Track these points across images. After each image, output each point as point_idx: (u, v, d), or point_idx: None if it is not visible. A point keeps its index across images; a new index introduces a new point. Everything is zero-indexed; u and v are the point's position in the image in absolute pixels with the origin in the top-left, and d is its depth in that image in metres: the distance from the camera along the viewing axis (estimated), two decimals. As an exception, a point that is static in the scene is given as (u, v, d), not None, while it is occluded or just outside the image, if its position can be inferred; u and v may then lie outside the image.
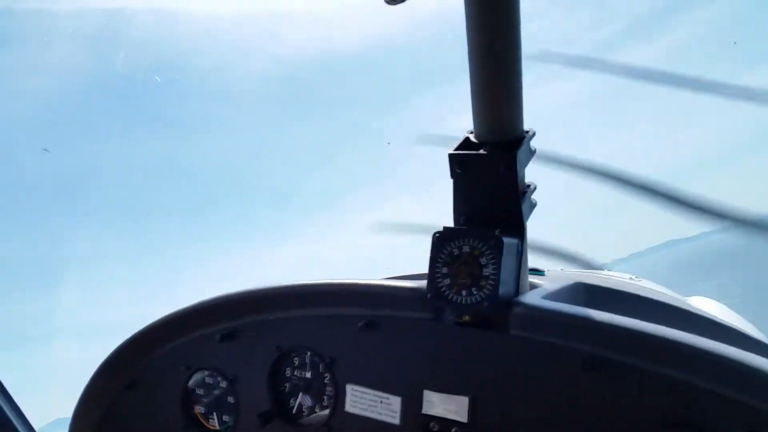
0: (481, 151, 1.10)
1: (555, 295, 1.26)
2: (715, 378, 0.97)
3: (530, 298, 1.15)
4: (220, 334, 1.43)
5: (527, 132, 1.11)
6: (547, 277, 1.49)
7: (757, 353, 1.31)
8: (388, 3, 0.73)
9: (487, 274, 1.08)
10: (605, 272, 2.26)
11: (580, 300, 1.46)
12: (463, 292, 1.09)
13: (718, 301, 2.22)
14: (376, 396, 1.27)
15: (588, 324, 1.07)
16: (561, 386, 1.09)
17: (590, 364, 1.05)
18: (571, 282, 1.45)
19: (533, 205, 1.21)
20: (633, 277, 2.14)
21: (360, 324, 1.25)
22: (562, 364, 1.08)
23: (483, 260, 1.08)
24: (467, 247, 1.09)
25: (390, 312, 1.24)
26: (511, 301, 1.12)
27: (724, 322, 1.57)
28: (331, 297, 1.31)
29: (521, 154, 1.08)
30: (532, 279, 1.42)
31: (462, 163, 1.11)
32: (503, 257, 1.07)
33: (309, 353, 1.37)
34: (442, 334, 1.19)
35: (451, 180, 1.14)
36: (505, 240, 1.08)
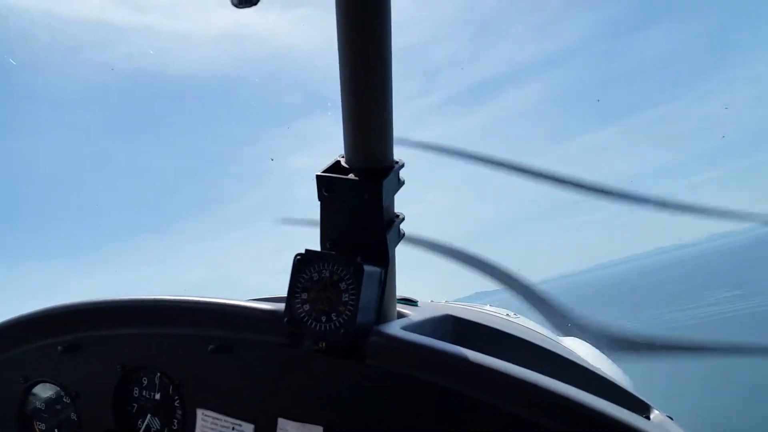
0: (350, 176, 1.09)
1: (418, 326, 1.27)
2: (559, 419, 1.00)
3: (390, 327, 1.14)
4: (62, 346, 1.32)
5: (396, 162, 1.12)
6: (418, 308, 1.50)
7: (609, 396, 1.38)
8: (235, 6, 0.71)
9: (345, 301, 1.06)
10: (486, 307, 2.32)
11: (446, 332, 1.48)
12: (322, 318, 1.07)
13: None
14: (228, 422, 1.21)
15: (441, 357, 1.07)
16: (412, 418, 1.08)
17: (441, 398, 1.05)
18: (439, 314, 1.47)
19: (401, 235, 1.21)
20: (510, 313, 2.22)
21: (211, 346, 1.19)
22: (415, 396, 1.08)
23: (343, 287, 1.07)
24: (327, 272, 1.07)
25: (244, 335, 1.18)
26: (369, 330, 1.10)
27: (585, 364, 1.65)
28: (181, 316, 1.24)
29: (388, 183, 1.09)
30: (403, 309, 1.43)
31: (329, 187, 1.10)
32: (363, 285, 1.06)
33: (159, 374, 1.28)
34: (298, 361, 1.16)
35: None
36: (367, 268, 1.07)
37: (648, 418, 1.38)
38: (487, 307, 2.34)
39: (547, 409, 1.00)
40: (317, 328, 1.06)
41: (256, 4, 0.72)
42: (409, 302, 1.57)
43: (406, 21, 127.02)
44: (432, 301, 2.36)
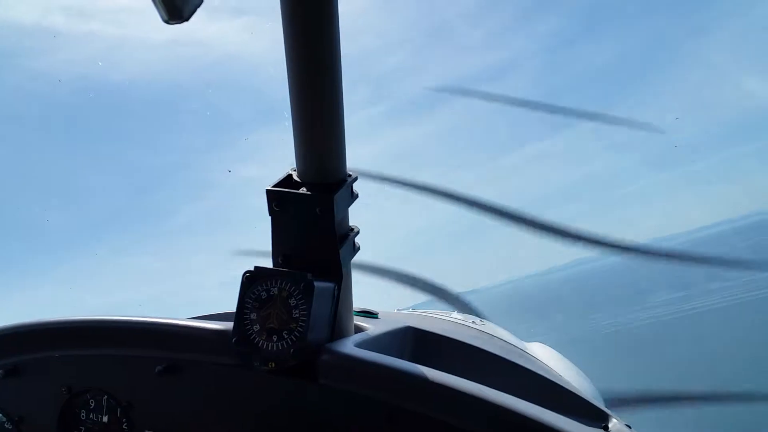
0: (301, 191, 1.06)
1: (374, 342, 1.24)
2: None
3: (343, 345, 1.11)
4: (3, 369, 1.25)
5: (350, 176, 1.10)
6: (378, 321, 1.48)
7: (568, 406, 1.37)
8: (166, 22, 0.67)
9: (296, 319, 1.03)
10: (453, 314, 2.31)
11: (404, 346, 1.45)
12: (274, 337, 1.03)
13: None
14: None
15: (393, 375, 1.05)
16: None
17: (394, 416, 1.03)
18: (399, 326, 1.44)
19: (356, 249, 1.19)
20: (476, 320, 2.21)
21: (159, 367, 1.14)
22: (368, 415, 1.05)
23: (293, 304, 1.03)
24: (277, 289, 1.04)
25: (193, 355, 1.14)
26: (320, 349, 1.08)
27: (547, 374, 1.64)
28: (126, 336, 1.19)
29: (340, 197, 1.06)
30: (362, 323, 1.40)
31: (279, 201, 1.07)
32: (314, 302, 1.03)
33: (106, 396, 1.23)
34: (248, 382, 1.12)
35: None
36: (318, 284, 1.04)
37: (606, 428, 1.38)
38: (454, 314, 2.33)
39: (501, 426, 0.99)
40: (267, 347, 1.02)
41: (187, 20, 0.69)
42: (369, 315, 1.54)
43: (353, 31, 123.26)
44: (398, 310, 2.34)
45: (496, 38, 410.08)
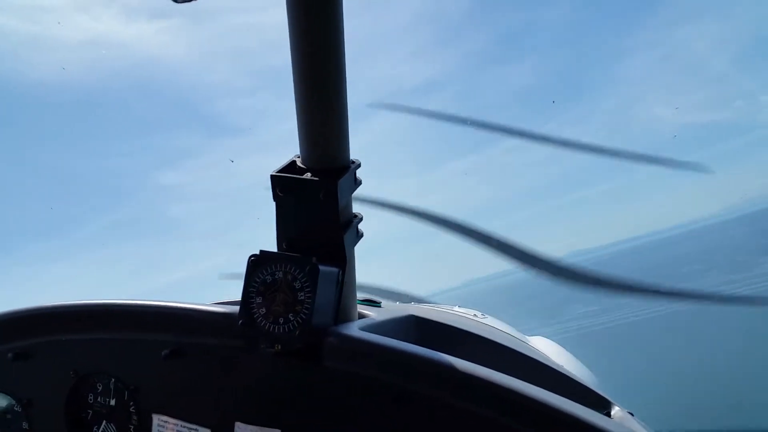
0: (305, 176, 1.08)
1: (378, 327, 1.26)
2: (518, 417, 0.99)
3: (348, 328, 1.13)
4: (12, 353, 1.28)
5: (353, 162, 1.11)
6: (381, 309, 1.49)
7: (571, 394, 1.39)
8: (175, 2, 0.69)
9: (301, 302, 1.04)
10: (455, 308, 2.32)
11: (407, 333, 1.47)
12: (280, 320, 1.05)
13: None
14: (184, 427, 1.18)
15: (398, 357, 1.06)
16: (371, 419, 1.07)
17: (400, 398, 1.04)
18: (401, 315, 1.46)
19: (360, 235, 1.20)
20: (478, 314, 2.22)
21: (165, 351, 1.16)
22: (373, 397, 1.07)
23: (298, 288, 1.05)
24: (282, 273, 1.06)
25: (198, 339, 1.16)
26: (326, 331, 1.09)
27: (549, 363, 1.65)
28: (133, 320, 1.21)
29: (344, 182, 1.08)
30: (364, 310, 1.41)
31: (284, 186, 1.08)
32: (319, 285, 1.04)
33: (113, 379, 1.25)
34: (254, 364, 1.14)
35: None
36: (323, 268, 1.06)
37: (609, 414, 1.39)
38: (456, 308, 2.34)
39: (507, 407, 1.00)
40: (273, 330, 1.04)
41: None
42: (372, 303, 1.56)
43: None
44: (399, 303, 2.36)
45: (424, 55, 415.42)
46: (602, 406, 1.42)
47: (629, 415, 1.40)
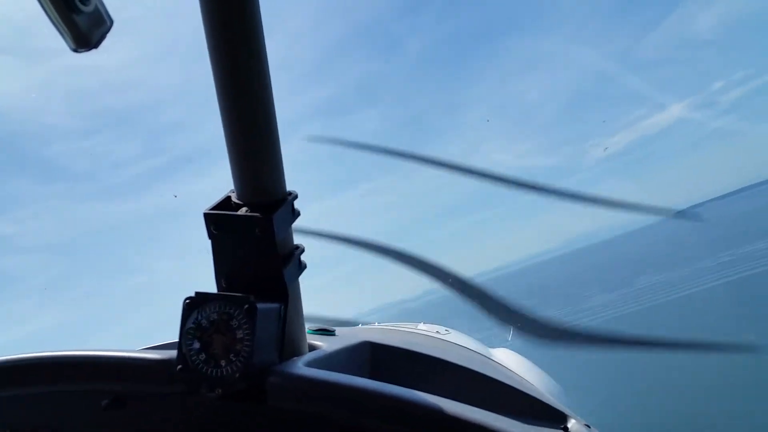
0: (240, 212, 1.05)
1: (327, 360, 1.23)
2: None
3: (291, 365, 1.10)
4: None
5: (290, 193, 1.09)
6: (334, 338, 1.46)
7: (528, 409, 1.38)
8: (74, 51, 0.66)
9: (240, 342, 1.01)
10: (419, 325, 2.30)
11: (362, 362, 1.45)
12: (222, 362, 1.01)
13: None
14: None
15: (343, 392, 1.04)
16: None
17: None
18: (356, 342, 1.43)
19: (303, 267, 1.18)
20: (441, 329, 2.21)
21: (105, 401, 1.11)
22: None
23: (237, 328, 1.02)
24: (218, 314, 1.02)
25: (138, 387, 1.11)
26: (268, 370, 1.06)
27: (508, 380, 1.64)
28: (68, 371, 1.15)
29: (280, 215, 1.05)
30: (316, 341, 1.38)
31: (218, 224, 1.05)
32: (258, 324, 1.02)
33: None
34: (198, 410, 1.10)
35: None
36: (262, 306, 1.03)
37: (566, 428, 1.39)
38: (420, 326, 2.32)
39: None
40: (212, 373, 1.00)
41: (96, 47, 0.68)
42: (326, 332, 1.53)
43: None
44: (362, 325, 2.33)
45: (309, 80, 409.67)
46: (559, 420, 1.42)
47: (586, 428, 1.40)
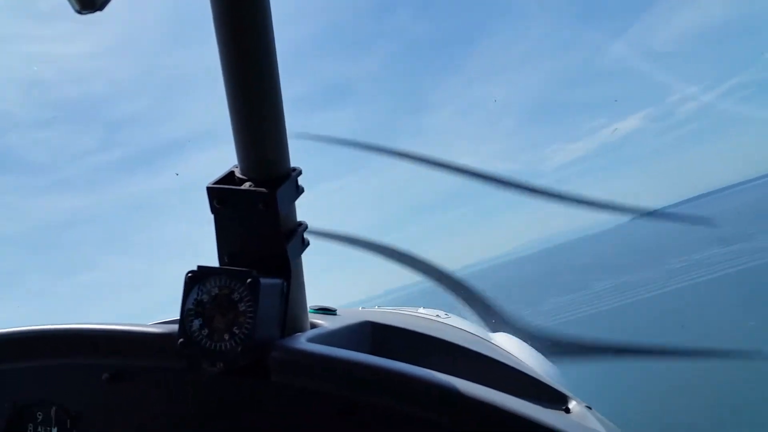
0: (243, 187, 1.04)
1: (329, 337, 1.23)
2: (470, 420, 0.98)
3: (294, 341, 1.09)
4: None
5: (294, 169, 1.09)
6: (336, 317, 1.47)
7: (529, 391, 1.38)
8: (78, 12, 0.65)
9: (242, 317, 1.01)
10: (419, 309, 2.30)
11: (362, 341, 1.45)
12: (225, 336, 1.01)
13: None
14: None
15: (346, 367, 1.04)
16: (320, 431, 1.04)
17: (345, 409, 1.02)
18: (356, 321, 1.43)
19: (306, 244, 1.17)
20: (441, 314, 2.21)
21: (106, 375, 1.11)
22: (319, 410, 1.04)
23: (239, 302, 1.01)
24: (220, 288, 1.02)
25: (139, 361, 1.11)
26: (270, 345, 1.06)
27: (508, 362, 1.65)
28: (70, 344, 1.15)
29: (284, 191, 1.05)
30: (317, 320, 1.38)
31: (221, 198, 1.05)
32: (261, 299, 1.01)
33: (54, 408, 1.19)
34: (199, 384, 1.09)
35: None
36: (264, 281, 1.02)
37: (567, 409, 1.39)
38: (420, 310, 2.32)
39: (458, 412, 0.99)
40: (214, 348, 1.00)
41: (101, 9, 0.67)
42: (327, 311, 1.53)
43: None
44: (362, 308, 2.33)
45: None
46: (560, 401, 1.43)
47: (587, 409, 1.41)
